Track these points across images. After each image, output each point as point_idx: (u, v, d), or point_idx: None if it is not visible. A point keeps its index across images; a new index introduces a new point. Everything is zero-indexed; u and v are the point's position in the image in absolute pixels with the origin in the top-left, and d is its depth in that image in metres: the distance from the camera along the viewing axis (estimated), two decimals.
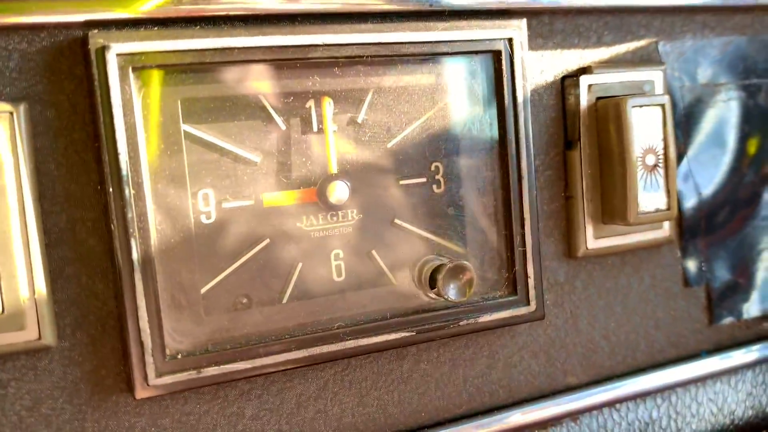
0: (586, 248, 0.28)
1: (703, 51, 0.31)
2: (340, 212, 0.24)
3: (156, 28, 0.21)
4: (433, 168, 0.26)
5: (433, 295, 0.25)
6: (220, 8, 0.22)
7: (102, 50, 0.21)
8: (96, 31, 0.21)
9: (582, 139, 0.27)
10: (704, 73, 0.31)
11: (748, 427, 0.34)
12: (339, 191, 0.24)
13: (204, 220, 0.23)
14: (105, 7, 0.21)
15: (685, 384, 0.32)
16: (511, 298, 0.26)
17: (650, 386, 0.31)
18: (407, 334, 0.25)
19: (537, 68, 0.28)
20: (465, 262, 0.25)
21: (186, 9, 0.22)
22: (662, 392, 0.32)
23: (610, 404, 0.30)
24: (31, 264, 0.21)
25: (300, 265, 0.24)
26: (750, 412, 0.34)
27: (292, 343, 0.23)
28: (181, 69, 0.22)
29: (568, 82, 0.27)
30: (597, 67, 0.27)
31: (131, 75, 0.21)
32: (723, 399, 0.33)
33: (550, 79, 0.27)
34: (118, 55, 0.20)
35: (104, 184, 0.21)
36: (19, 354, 0.22)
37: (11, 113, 0.21)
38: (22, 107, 0.21)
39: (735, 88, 0.32)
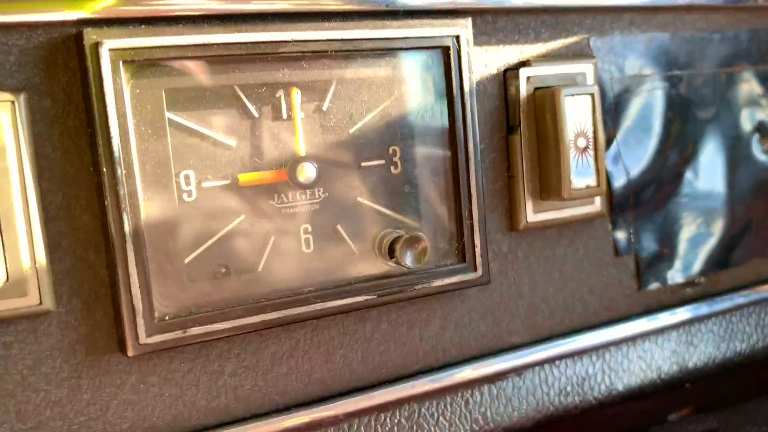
0: (527, 222, 0.30)
1: (630, 46, 0.34)
2: (308, 191, 0.27)
3: (143, 26, 0.23)
4: (390, 151, 0.28)
5: (392, 264, 0.28)
6: (199, 8, 0.24)
7: (95, 46, 0.23)
8: (89, 28, 0.23)
9: (522, 124, 0.30)
10: (631, 66, 0.34)
11: (673, 381, 0.37)
12: (307, 171, 0.26)
13: (186, 198, 0.25)
14: (73, 8, 0.23)
15: (617, 343, 0.35)
16: (460, 266, 0.28)
17: (586, 345, 0.34)
18: (369, 297, 0.27)
19: (482, 62, 0.31)
20: (420, 234, 0.27)
21: (165, 8, 0.24)
22: (597, 350, 0.35)
23: (550, 361, 0.33)
24: (32, 237, 0.23)
25: (273, 238, 0.26)
26: (674, 368, 0.37)
27: (266, 306, 0.26)
28: (165, 62, 0.24)
29: (510, 74, 0.30)
30: (535, 61, 0.30)
31: (121, 68, 0.23)
32: (651, 356, 0.36)
33: (493, 71, 0.30)
34: (110, 50, 0.22)
35: (98, 165, 0.23)
36: (21, 318, 0.24)
37: (12, 102, 0.23)
38: (22, 97, 0.23)
39: (659, 79, 0.35)
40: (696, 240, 0.36)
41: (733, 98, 0.37)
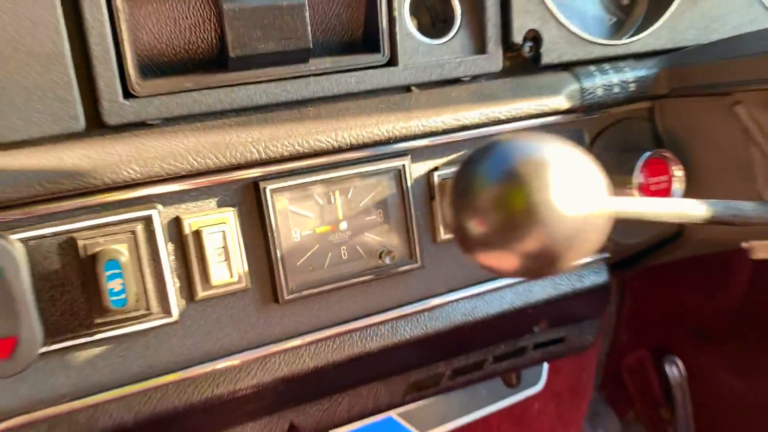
0: (441, 238, 0.55)
1: None
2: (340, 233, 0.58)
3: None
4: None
5: (380, 261, 0.58)
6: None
7: (264, 188, 0.52)
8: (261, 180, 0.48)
9: (436, 196, 0.54)
10: None
11: (524, 308, 0.68)
12: (340, 227, 0.58)
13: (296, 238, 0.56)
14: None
15: (492, 291, 0.66)
16: (411, 261, 0.53)
17: (476, 292, 0.64)
18: (366, 278, 0.54)
19: (417, 170, 0.53)
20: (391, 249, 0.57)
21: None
22: (481, 294, 0.66)
23: (456, 300, 0.59)
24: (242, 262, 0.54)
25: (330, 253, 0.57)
26: (521, 301, 0.68)
27: None
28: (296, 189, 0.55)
29: (430, 173, 0.53)
30: (441, 167, 0.54)
31: (273, 196, 0.53)
32: (510, 295, 0.67)
33: (423, 172, 0.54)
34: (270, 189, 0.53)
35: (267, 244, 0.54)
36: (236, 292, 0.53)
37: (233, 212, 0.51)
38: (236, 210, 0.48)
39: None
40: None
41: None
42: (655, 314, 1.57)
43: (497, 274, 0.48)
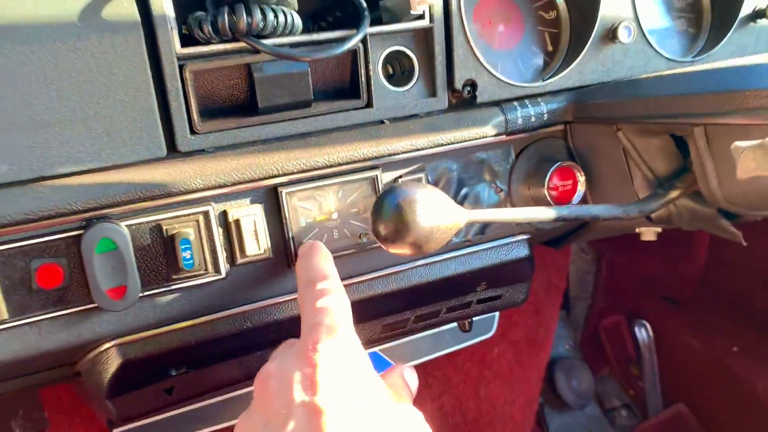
0: None
1: None
2: None
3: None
4: None
5: None
6: None
7: (282, 192, 0.77)
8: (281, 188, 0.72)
9: None
10: None
11: (469, 274, 0.91)
12: None
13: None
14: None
15: (444, 260, 0.89)
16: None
17: (428, 261, 0.88)
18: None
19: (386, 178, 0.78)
20: None
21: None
22: (436, 263, 0.89)
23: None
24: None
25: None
26: (463, 268, 0.91)
27: None
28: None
29: (396, 181, 0.79)
30: (404, 175, 0.83)
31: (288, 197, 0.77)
32: (453, 266, 0.90)
33: (390, 180, 0.81)
34: (285, 192, 0.77)
35: None
36: (261, 260, 0.77)
37: (260, 207, 0.77)
38: (261, 206, 0.77)
39: None
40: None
41: None
42: (628, 283, 1.78)
43: (397, 256, 0.62)
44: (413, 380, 0.57)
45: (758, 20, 0.87)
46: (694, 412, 1.73)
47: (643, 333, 1.87)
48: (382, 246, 0.52)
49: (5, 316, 0.58)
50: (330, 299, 0.52)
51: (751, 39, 0.83)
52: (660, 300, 1.90)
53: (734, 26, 0.81)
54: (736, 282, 1.63)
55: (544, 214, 0.61)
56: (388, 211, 0.48)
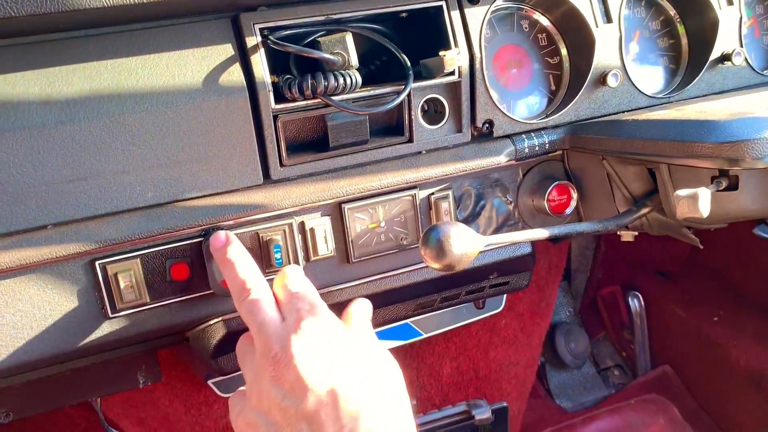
0: None
1: None
2: None
3: None
4: None
5: None
6: None
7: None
8: None
9: (432, 208, 1.06)
10: None
11: (484, 268, 1.14)
12: None
13: None
14: None
15: None
16: (417, 243, 1.07)
17: None
18: None
19: (422, 196, 1.07)
20: None
21: None
22: None
23: None
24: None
25: None
26: (478, 263, 1.14)
27: None
28: None
29: (430, 198, 1.07)
30: (436, 193, 1.06)
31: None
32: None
33: (425, 196, 1.06)
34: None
35: None
36: (329, 258, 1.01)
37: (329, 219, 1.00)
38: (329, 218, 1.00)
39: None
40: None
41: None
42: (624, 258, 2.01)
43: (436, 270, 0.74)
44: (361, 306, 0.68)
45: (725, 62, 1.08)
46: (678, 373, 1.89)
47: (635, 302, 2.11)
48: (428, 265, 0.75)
49: (147, 300, 0.82)
50: (253, 296, 0.64)
51: (719, 78, 1.03)
52: (653, 274, 2.13)
53: (705, 67, 1.01)
54: (718, 259, 1.85)
55: (540, 234, 0.84)
56: (431, 242, 0.71)
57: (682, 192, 0.69)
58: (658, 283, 2.04)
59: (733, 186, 0.78)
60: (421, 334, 1.17)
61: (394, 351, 1.41)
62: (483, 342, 1.53)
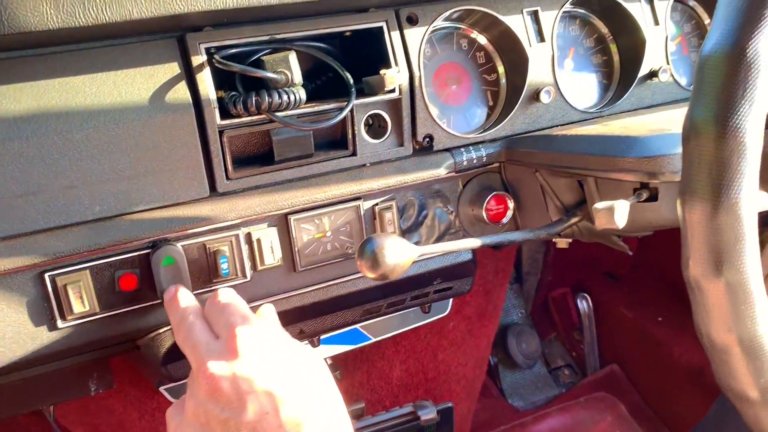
0: None
1: None
2: None
3: None
4: None
5: None
6: None
7: None
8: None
9: (377, 219, 1.11)
10: None
11: (428, 274, 1.19)
12: None
13: None
14: None
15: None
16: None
17: None
18: None
19: (366, 207, 1.12)
20: None
21: None
22: None
23: None
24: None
25: None
26: (422, 270, 1.20)
27: None
28: None
29: (374, 208, 1.12)
30: (379, 204, 1.11)
31: None
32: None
33: (369, 207, 1.11)
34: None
35: None
36: (275, 267, 1.06)
37: (275, 229, 1.05)
38: (276, 228, 1.05)
39: None
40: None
41: None
42: (574, 261, 2.09)
43: (372, 280, 0.77)
44: (270, 310, 0.73)
45: (653, 78, 1.15)
46: (625, 371, 2.05)
47: (584, 304, 2.19)
48: (364, 275, 0.80)
49: (97, 310, 0.85)
50: (186, 323, 0.69)
51: (648, 93, 1.10)
52: (601, 276, 2.21)
53: (635, 83, 1.08)
54: (662, 262, 1.94)
55: (473, 244, 0.89)
56: (366, 254, 0.75)
57: (599, 205, 0.74)
58: (607, 285, 2.13)
59: (653, 197, 0.84)
60: (370, 339, 1.21)
61: (344, 355, 1.45)
62: (432, 345, 1.58)
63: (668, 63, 0.99)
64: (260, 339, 0.62)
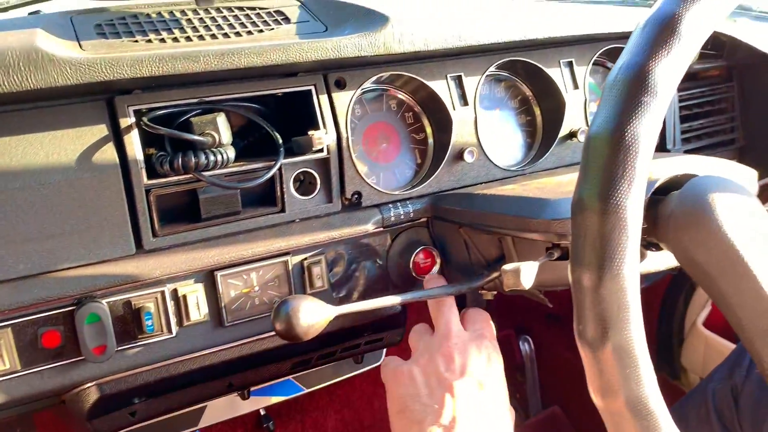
0: None
1: None
2: None
3: None
4: None
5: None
6: None
7: None
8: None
9: (306, 274, 1.14)
10: None
11: None
12: None
13: None
14: None
15: None
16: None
17: None
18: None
19: (295, 262, 1.14)
20: None
21: None
22: None
23: None
24: None
25: None
26: None
27: None
28: None
29: (303, 263, 1.15)
30: (308, 258, 1.14)
31: None
32: None
33: (298, 262, 1.14)
34: None
35: None
36: (202, 323, 1.07)
37: (202, 286, 1.06)
38: (203, 284, 1.06)
39: None
40: None
41: None
42: (517, 304, 2.13)
43: (284, 340, 0.79)
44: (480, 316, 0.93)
45: (573, 138, 1.22)
46: (566, 412, 2.10)
47: (526, 346, 2.23)
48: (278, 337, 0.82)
49: (19, 367, 0.85)
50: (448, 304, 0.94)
51: (568, 152, 1.16)
52: (544, 317, 2.26)
53: (555, 142, 1.14)
54: None
55: (391, 301, 0.92)
56: (281, 316, 0.78)
57: (507, 266, 0.78)
58: (548, 326, 2.17)
59: (564, 256, 0.89)
60: (303, 390, 1.23)
61: (277, 406, 1.45)
62: (367, 393, 1.60)
63: (587, 124, 1.06)
64: (487, 349, 0.88)
